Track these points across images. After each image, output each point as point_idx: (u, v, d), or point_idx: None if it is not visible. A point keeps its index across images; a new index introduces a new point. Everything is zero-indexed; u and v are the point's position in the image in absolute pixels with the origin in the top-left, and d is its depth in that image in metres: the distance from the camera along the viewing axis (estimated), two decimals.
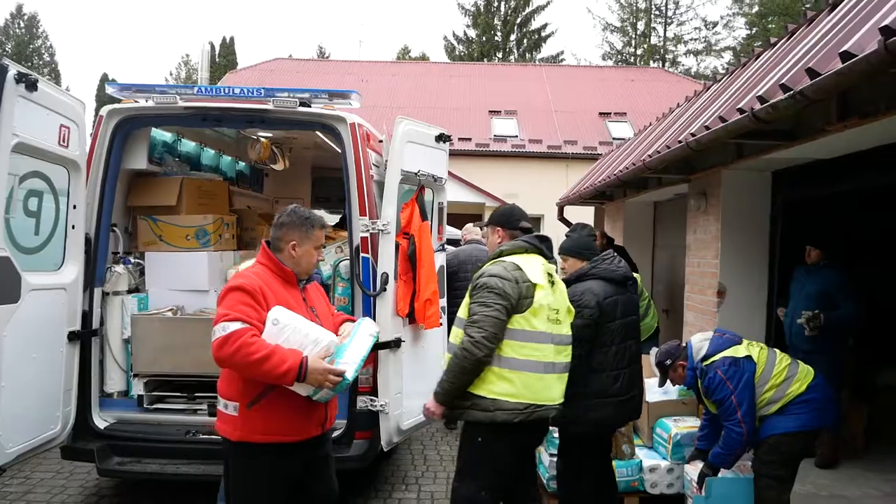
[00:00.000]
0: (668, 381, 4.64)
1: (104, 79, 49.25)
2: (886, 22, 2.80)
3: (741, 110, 4.22)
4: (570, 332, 3.61)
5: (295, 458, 3.22)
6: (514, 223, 3.71)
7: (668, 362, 4.47)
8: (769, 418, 4.12)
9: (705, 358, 4.19)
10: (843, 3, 4.37)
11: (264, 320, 3.04)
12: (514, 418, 3.34)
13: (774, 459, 4.08)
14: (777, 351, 4.33)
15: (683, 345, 4.52)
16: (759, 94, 4.02)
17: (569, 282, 4.00)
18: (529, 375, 3.38)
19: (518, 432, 3.41)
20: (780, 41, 5.69)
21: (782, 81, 3.74)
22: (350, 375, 3.10)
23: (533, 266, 3.48)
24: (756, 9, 39.79)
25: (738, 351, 4.16)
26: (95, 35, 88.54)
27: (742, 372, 4.04)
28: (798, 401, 4.05)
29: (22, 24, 50.79)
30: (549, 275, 3.55)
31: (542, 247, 3.59)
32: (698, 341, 4.34)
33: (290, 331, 3.03)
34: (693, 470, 4.58)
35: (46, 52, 51.47)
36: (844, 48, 3.10)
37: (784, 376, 4.10)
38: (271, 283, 3.16)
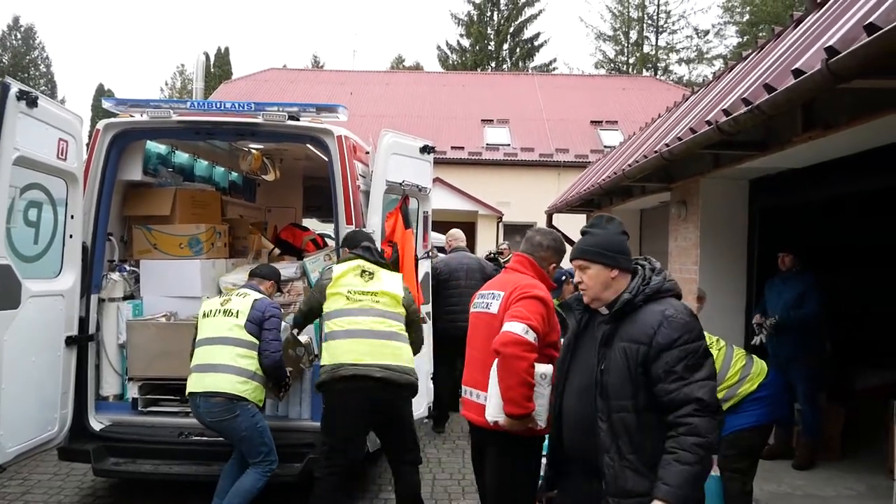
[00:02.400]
0: None
1: (100, 89, 49.34)
2: (831, 42, 3.00)
3: (709, 122, 4.42)
4: (390, 307, 4.40)
5: None
6: (356, 244, 4.59)
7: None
8: (725, 417, 4.31)
9: None
10: (806, 19, 4.58)
11: (543, 336, 3.24)
12: (324, 376, 4.23)
13: (733, 454, 4.28)
14: (735, 348, 4.51)
15: None
16: (725, 107, 4.23)
17: (625, 310, 2.70)
18: (331, 342, 4.28)
19: (332, 390, 4.22)
20: (751, 54, 5.90)
21: (744, 96, 3.94)
22: None
23: (343, 267, 4.45)
24: (746, 17, 40.16)
25: None
26: (91, 46, 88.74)
27: None
28: (750, 399, 4.25)
29: (19, 36, 50.83)
30: (363, 271, 4.43)
31: (364, 255, 4.49)
32: None
33: (544, 388, 3.13)
34: None
35: (43, 63, 51.55)
36: (796, 66, 3.30)
37: (737, 378, 4.29)
38: None
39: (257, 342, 4.44)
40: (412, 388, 4.37)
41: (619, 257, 2.77)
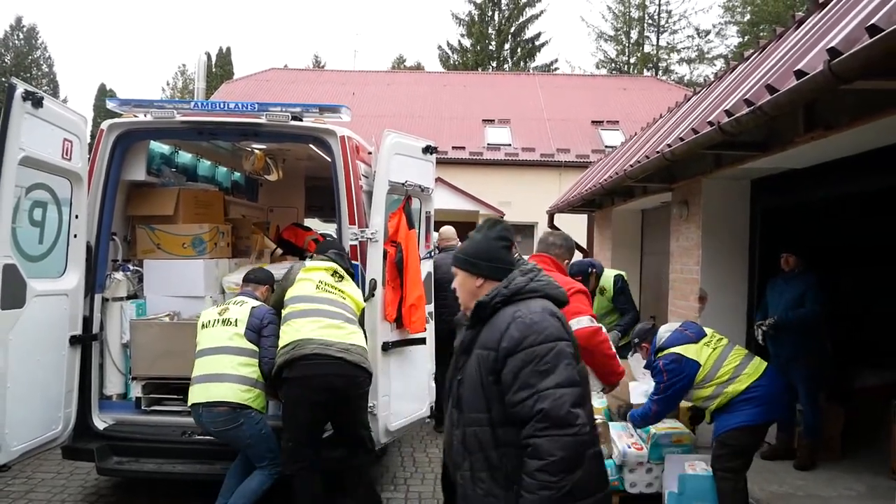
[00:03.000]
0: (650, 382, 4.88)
1: (102, 89, 49.46)
2: (833, 43, 3.01)
3: (711, 123, 4.44)
4: (353, 307, 4.57)
5: None
6: (326, 250, 4.80)
7: (636, 341, 5.03)
8: (718, 416, 4.42)
9: (660, 349, 4.56)
10: (808, 20, 4.59)
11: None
12: (284, 357, 4.25)
13: (725, 453, 4.36)
14: (736, 347, 4.57)
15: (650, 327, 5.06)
16: (727, 108, 4.24)
17: (480, 314, 2.45)
18: (292, 322, 4.37)
19: (292, 378, 4.23)
20: (753, 55, 5.91)
21: (746, 97, 3.96)
22: None
23: (317, 264, 4.65)
24: (748, 17, 40.14)
25: (688, 350, 4.45)
26: (93, 46, 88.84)
27: (681, 370, 4.41)
28: (740, 399, 4.32)
29: (21, 36, 50.88)
30: (335, 272, 4.62)
31: (333, 257, 4.69)
32: (663, 331, 4.70)
33: None
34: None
35: (45, 63, 51.60)
36: (798, 67, 3.32)
37: (727, 377, 4.37)
38: None
39: (257, 349, 4.47)
40: (369, 374, 4.44)
41: (485, 265, 2.52)
